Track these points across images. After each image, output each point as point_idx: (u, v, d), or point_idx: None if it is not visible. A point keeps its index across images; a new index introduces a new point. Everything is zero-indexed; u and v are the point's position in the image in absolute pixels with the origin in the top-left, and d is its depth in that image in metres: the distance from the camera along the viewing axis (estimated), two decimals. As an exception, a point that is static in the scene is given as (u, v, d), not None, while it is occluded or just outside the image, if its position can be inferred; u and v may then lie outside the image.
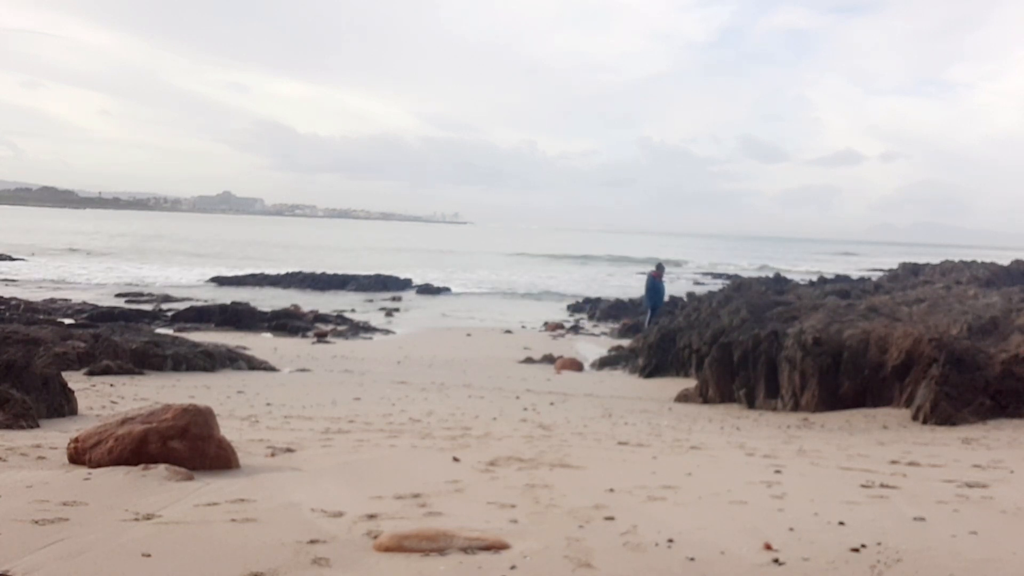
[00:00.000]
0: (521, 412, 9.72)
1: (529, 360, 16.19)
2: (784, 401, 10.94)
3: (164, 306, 24.15)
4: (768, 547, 3.53)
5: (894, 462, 6.00)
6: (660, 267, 21.74)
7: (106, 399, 9.38)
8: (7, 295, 23.21)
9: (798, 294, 20.11)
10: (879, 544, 3.57)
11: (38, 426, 7.19)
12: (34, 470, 4.76)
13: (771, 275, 35.28)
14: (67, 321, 18.02)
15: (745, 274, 46.61)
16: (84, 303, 23.22)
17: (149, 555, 3.29)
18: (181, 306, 23.40)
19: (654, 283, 20.66)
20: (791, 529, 3.82)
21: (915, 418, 9.30)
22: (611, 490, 4.65)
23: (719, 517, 4.08)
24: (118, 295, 27.73)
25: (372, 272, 37.86)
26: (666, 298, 21.75)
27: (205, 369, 12.85)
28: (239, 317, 21.12)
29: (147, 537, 3.50)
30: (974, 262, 33.22)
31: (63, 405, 8.10)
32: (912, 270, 35.07)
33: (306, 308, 24.28)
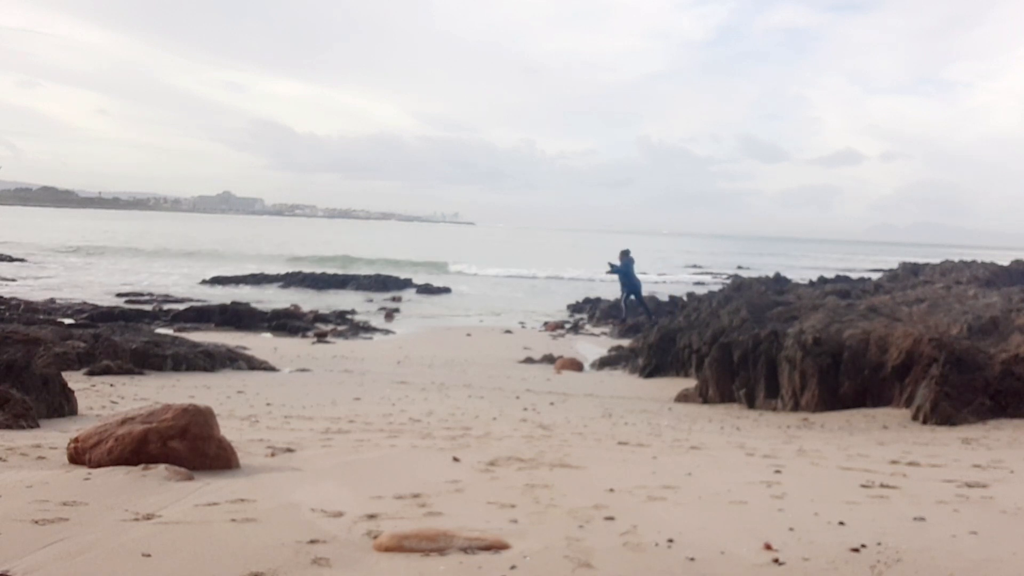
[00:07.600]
0: (521, 412, 9.72)
1: (529, 360, 16.20)
2: (784, 401, 10.94)
3: (164, 306, 24.14)
4: (768, 547, 3.53)
5: (894, 462, 5.99)
6: (622, 252, 19.00)
7: (106, 399, 9.38)
8: (7, 295, 23.20)
9: (798, 294, 20.09)
10: (879, 544, 3.57)
11: (38, 426, 7.19)
12: (34, 470, 4.75)
13: (771, 275, 35.25)
14: (67, 321, 18.03)
15: (745, 274, 46.56)
16: (84, 303, 23.22)
17: (149, 555, 3.28)
18: (181, 306, 23.41)
19: (614, 268, 18.66)
20: (791, 529, 3.82)
21: (915, 418, 9.31)
22: (611, 490, 4.65)
23: (719, 517, 4.07)
24: (118, 295, 27.74)
25: (372, 272, 37.85)
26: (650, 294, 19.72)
27: (205, 369, 12.86)
28: (239, 317, 21.13)
29: (147, 537, 3.50)
30: (974, 262, 33.16)
31: (63, 405, 8.10)
32: (912, 270, 35.01)
33: (306, 308, 24.28)
